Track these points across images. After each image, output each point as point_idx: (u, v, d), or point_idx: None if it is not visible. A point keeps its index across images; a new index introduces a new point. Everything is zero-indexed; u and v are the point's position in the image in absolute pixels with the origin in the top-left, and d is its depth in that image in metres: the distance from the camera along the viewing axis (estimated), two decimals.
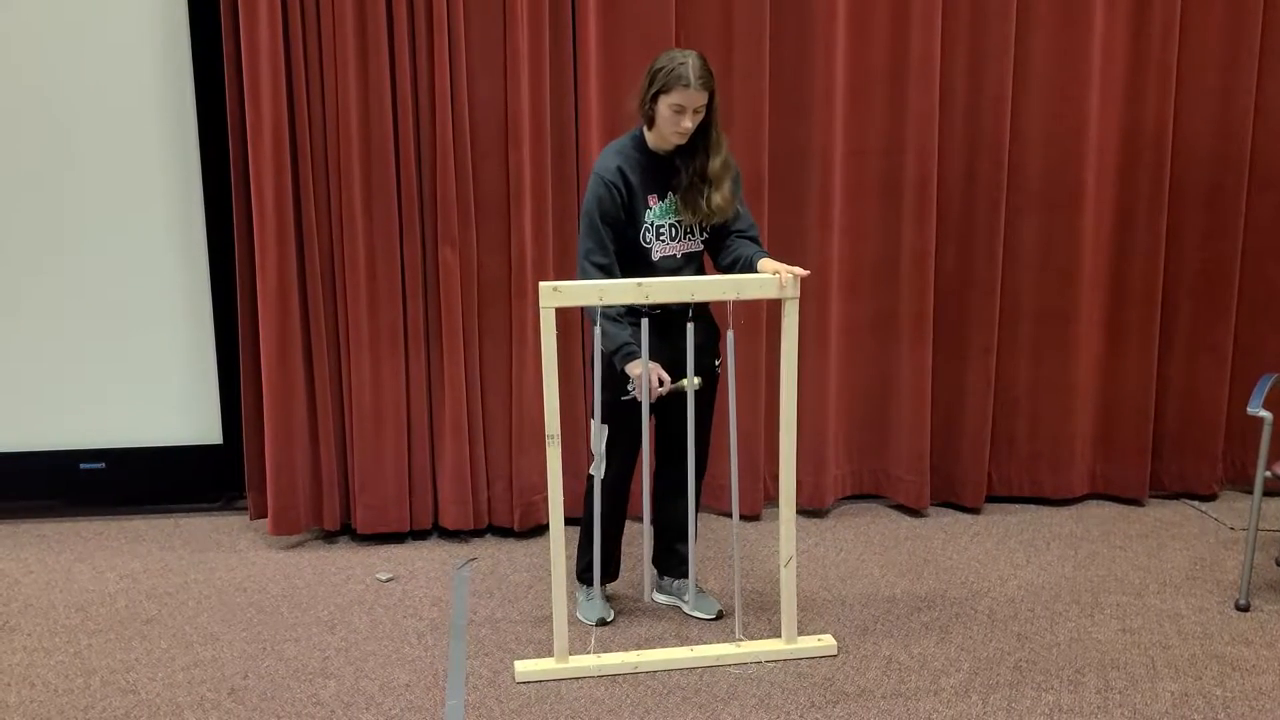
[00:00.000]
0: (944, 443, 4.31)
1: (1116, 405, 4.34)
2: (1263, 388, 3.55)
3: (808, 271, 3.12)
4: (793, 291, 3.07)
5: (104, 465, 4.30)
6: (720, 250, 3.31)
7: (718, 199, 3.18)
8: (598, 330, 3.12)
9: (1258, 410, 3.47)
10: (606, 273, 3.15)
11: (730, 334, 3.15)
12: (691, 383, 3.15)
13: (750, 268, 3.17)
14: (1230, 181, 4.20)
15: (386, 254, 3.90)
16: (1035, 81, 4.07)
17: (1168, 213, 4.19)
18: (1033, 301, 4.23)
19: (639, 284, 3.06)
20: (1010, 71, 4.03)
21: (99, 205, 4.13)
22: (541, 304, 2.98)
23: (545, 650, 3.26)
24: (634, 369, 3.12)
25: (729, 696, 3.06)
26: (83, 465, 4.29)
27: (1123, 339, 4.29)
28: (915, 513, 4.32)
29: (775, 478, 3.88)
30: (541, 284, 2.99)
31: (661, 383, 3.14)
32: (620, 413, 3.23)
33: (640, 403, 3.16)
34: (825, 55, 3.98)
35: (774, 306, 3.74)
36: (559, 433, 3.09)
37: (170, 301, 4.22)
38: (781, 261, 3.13)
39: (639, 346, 3.10)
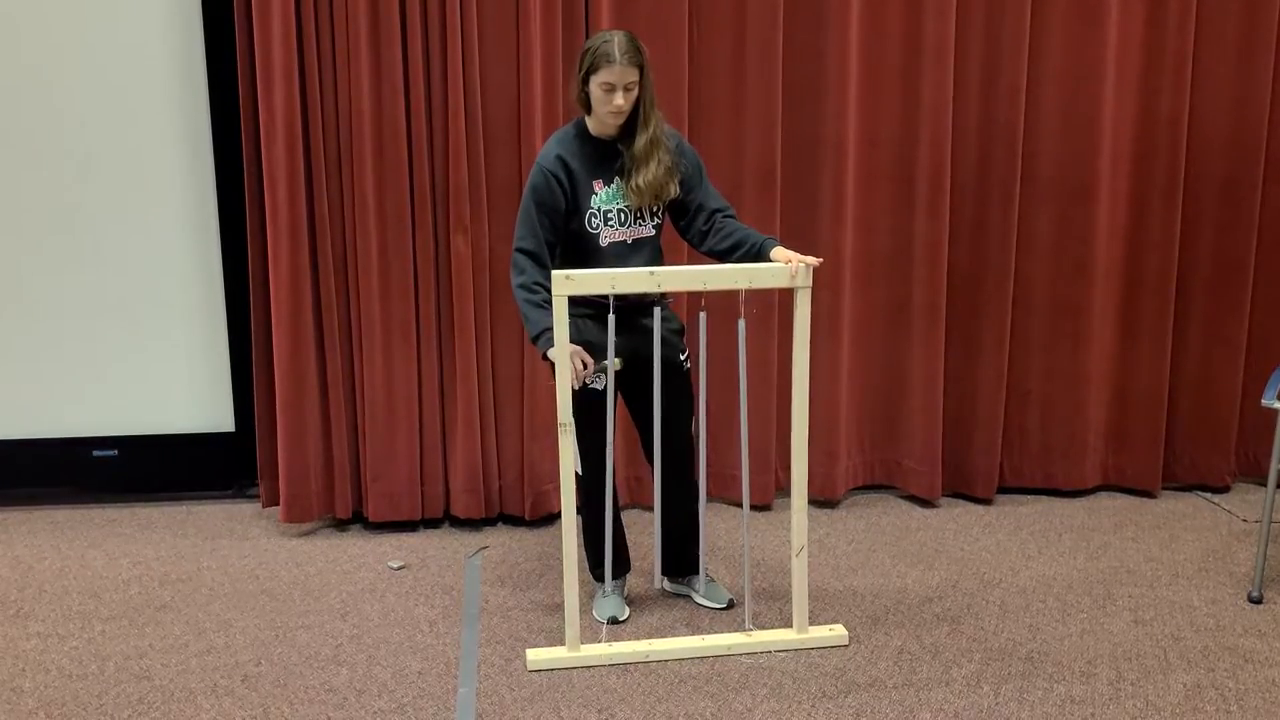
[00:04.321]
0: (956, 434, 4.30)
1: (1130, 397, 4.33)
2: (1277, 379, 3.53)
3: (820, 260, 3.10)
4: (804, 281, 3.06)
5: (117, 452, 4.31)
6: (707, 234, 3.25)
7: (641, 179, 3.13)
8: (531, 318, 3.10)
9: (1272, 402, 3.45)
10: (533, 259, 3.12)
11: (742, 322, 3.14)
12: (612, 363, 3.12)
13: (760, 255, 3.14)
14: (1246, 173, 4.17)
15: (399, 243, 3.90)
16: (1050, 71, 4.05)
17: (1183, 204, 4.17)
18: (1046, 293, 4.22)
19: (651, 273, 3.06)
20: (1025, 61, 4.01)
21: (113, 196, 4.14)
22: (554, 292, 2.98)
23: (557, 639, 3.27)
24: (554, 354, 3.06)
25: (740, 686, 3.06)
26: (96, 452, 4.31)
27: (1136, 330, 4.27)
28: (927, 503, 4.31)
29: (786, 468, 3.88)
30: (554, 272, 2.99)
31: (586, 365, 3.09)
32: (579, 405, 3.14)
33: (598, 391, 3.14)
34: (838, 44, 3.96)
35: (786, 296, 3.73)
36: (572, 421, 3.08)
37: (183, 290, 4.23)
38: (794, 250, 3.12)
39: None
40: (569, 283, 2.98)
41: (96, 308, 4.22)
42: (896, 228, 4.14)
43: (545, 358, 3.11)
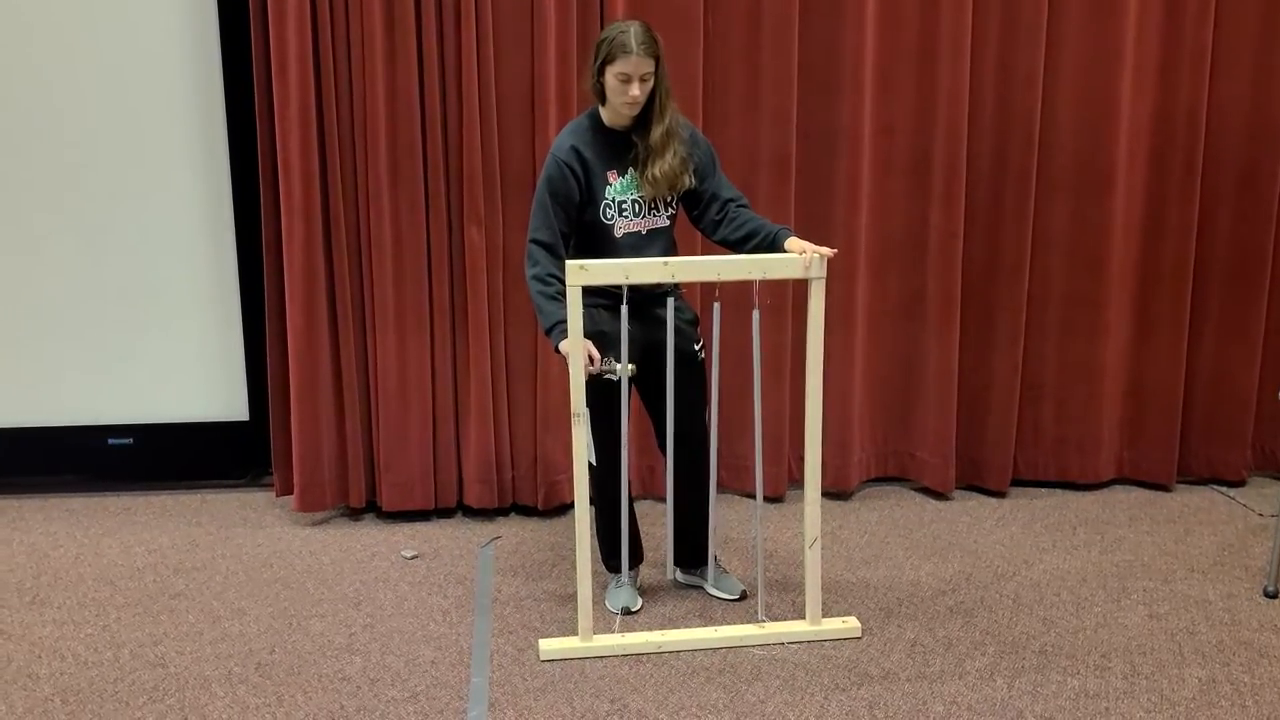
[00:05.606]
0: (970, 426, 4.29)
1: (1145, 390, 4.30)
2: None
3: (835, 251, 3.09)
4: (819, 272, 3.05)
5: (131, 441, 4.33)
6: (720, 223, 3.24)
7: (656, 170, 3.12)
8: (544, 309, 3.09)
9: None
10: (548, 251, 3.12)
11: (756, 313, 3.14)
12: (626, 369, 3.10)
13: (774, 245, 3.13)
14: (1264, 164, 4.14)
15: (412, 233, 3.90)
16: (1067, 61, 4.02)
17: (1200, 196, 4.14)
18: (1061, 284, 4.20)
19: (665, 263, 3.06)
20: (1042, 50, 3.98)
21: (127, 185, 4.15)
22: (568, 282, 2.97)
23: (569, 629, 3.27)
24: (565, 347, 3.05)
25: (753, 677, 3.06)
26: (111, 441, 4.32)
27: (1152, 323, 4.25)
28: (940, 496, 4.30)
29: (800, 459, 3.88)
30: (569, 262, 2.98)
31: (591, 360, 3.06)
32: (593, 395, 3.15)
33: (612, 382, 3.12)
34: (855, 33, 3.94)
35: (800, 286, 3.72)
36: (586, 411, 3.08)
37: (198, 279, 4.24)
38: (808, 241, 3.11)
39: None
40: (583, 273, 2.98)
41: (111, 296, 4.23)
42: (911, 218, 4.12)
43: (557, 350, 3.11)
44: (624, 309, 3.07)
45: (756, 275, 3.05)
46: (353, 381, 4.01)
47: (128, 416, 4.32)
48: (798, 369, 3.73)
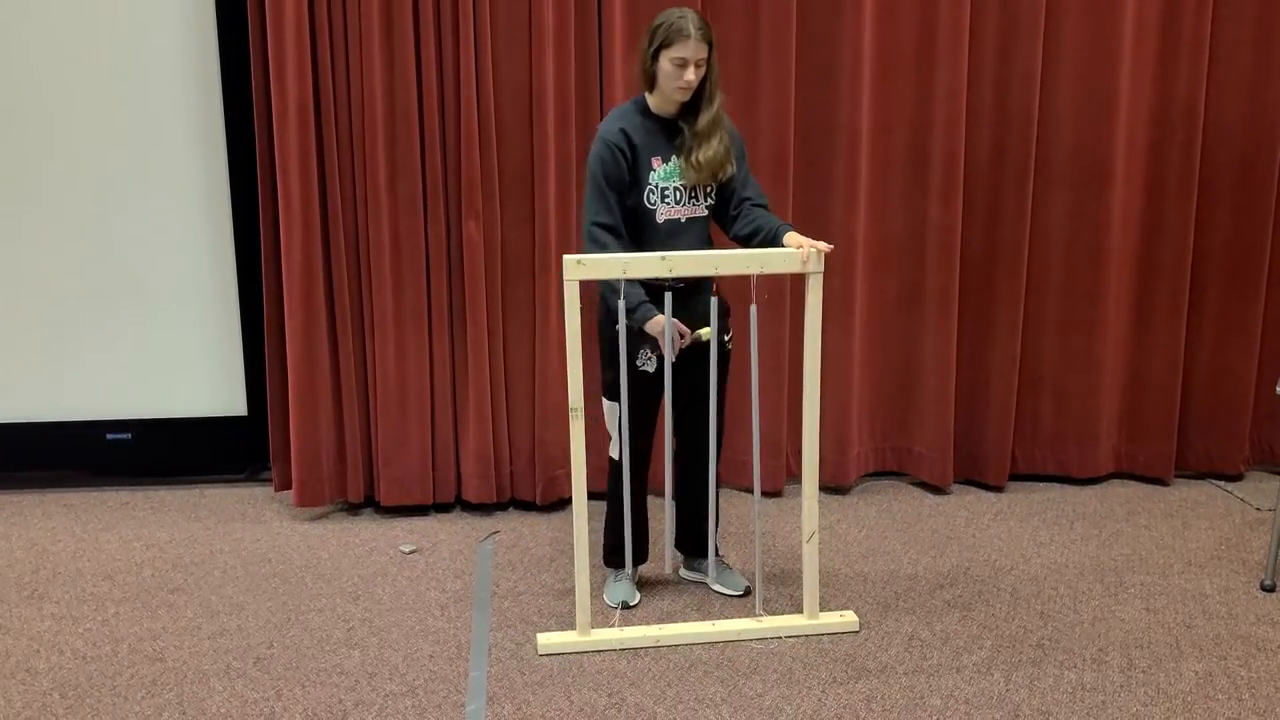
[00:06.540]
0: (968, 420, 4.29)
1: (1143, 384, 4.31)
2: None
3: (831, 246, 3.09)
4: (816, 266, 3.05)
5: (130, 436, 4.33)
6: (735, 219, 3.26)
7: (701, 155, 3.14)
8: (613, 300, 3.11)
9: None
10: (613, 234, 3.13)
11: (754, 308, 3.14)
12: (709, 332, 3.14)
13: (774, 241, 3.14)
14: (1262, 158, 4.14)
15: (410, 229, 3.90)
16: (1066, 56, 4.02)
17: (1198, 190, 4.14)
18: (1060, 279, 4.20)
19: (663, 257, 3.06)
20: (1040, 46, 3.98)
21: (126, 182, 4.15)
22: (565, 277, 2.98)
23: (568, 623, 3.28)
24: (656, 325, 3.10)
25: (750, 671, 3.07)
26: (109, 436, 4.33)
27: (1150, 317, 4.25)
28: (938, 490, 4.31)
29: (798, 454, 3.89)
30: (565, 257, 2.98)
31: (682, 335, 3.12)
32: (629, 387, 3.18)
33: (647, 374, 3.14)
34: (853, 30, 3.94)
35: (798, 281, 3.72)
36: (582, 406, 3.09)
37: (197, 275, 4.24)
38: (806, 236, 3.11)
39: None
40: (580, 267, 2.98)
41: (111, 292, 4.23)
42: (910, 213, 4.12)
43: (641, 332, 3.13)
44: (621, 305, 3.07)
45: (754, 270, 3.05)
46: (351, 377, 4.01)
47: (126, 412, 4.32)
48: (796, 364, 3.73)
